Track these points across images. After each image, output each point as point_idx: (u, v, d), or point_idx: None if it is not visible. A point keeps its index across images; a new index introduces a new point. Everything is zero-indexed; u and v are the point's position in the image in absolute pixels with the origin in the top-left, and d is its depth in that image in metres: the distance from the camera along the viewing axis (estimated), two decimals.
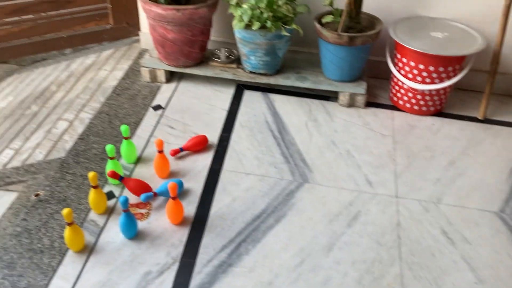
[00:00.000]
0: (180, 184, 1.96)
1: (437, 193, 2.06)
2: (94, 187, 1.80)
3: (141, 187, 1.93)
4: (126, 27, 3.14)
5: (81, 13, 2.99)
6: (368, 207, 1.98)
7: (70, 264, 1.69)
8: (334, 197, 2.02)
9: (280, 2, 2.35)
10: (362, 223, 1.91)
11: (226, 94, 2.66)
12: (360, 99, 2.55)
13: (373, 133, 2.40)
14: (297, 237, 1.83)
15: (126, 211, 1.72)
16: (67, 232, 1.67)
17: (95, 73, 2.99)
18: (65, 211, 1.61)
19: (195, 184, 2.04)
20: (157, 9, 2.40)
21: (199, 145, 2.22)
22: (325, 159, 2.22)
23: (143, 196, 1.87)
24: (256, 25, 2.32)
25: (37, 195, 1.96)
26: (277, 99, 2.63)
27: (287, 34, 2.37)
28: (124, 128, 2.03)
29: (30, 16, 2.86)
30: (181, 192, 2.00)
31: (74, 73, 3.09)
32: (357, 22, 2.43)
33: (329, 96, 2.63)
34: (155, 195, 1.91)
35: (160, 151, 1.99)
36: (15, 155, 2.35)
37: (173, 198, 1.78)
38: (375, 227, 1.89)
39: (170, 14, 2.39)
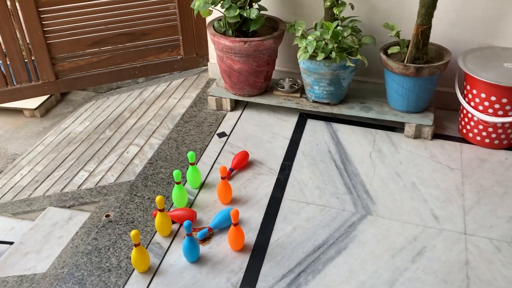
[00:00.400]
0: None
1: (511, 232, 1.94)
2: (161, 210, 1.88)
3: (188, 215, 1.97)
4: (196, 58, 3.29)
5: (155, 45, 3.17)
6: (434, 243, 1.90)
7: (135, 284, 1.76)
8: (397, 231, 1.96)
9: (345, 34, 2.37)
10: (427, 259, 1.83)
11: (289, 123, 2.69)
12: (427, 131, 2.48)
13: (440, 166, 2.32)
14: (358, 270, 1.79)
15: (189, 235, 1.77)
16: (133, 252, 1.75)
17: (165, 101, 3.14)
18: (133, 232, 1.69)
19: (256, 212, 2.07)
20: (225, 41, 2.51)
21: (242, 161, 2.32)
22: (389, 191, 2.17)
23: (199, 234, 1.92)
24: (320, 56, 2.35)
25: (107, 216, 2.07)
26: (341, 128, 2.62)
27: (352, 64, 2.38)
28: (190, 155, 2.11)
29: (109, 47, 3.08)
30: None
31: (145, 100, 3.27)
32: (424, 53, 2.39)
33: (395, 127, 2.59)
34: (210, 230, 1.95)
35: (224, 178, 2.05)
36: (89, 177, 2.51)
37: (235, 225, 1.81)
38: (441, 264, 1.81)
39: (237, 46, 2.48)
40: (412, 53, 2.37)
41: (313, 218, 2.03)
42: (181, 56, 3.28)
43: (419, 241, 1.91)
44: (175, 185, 2.03)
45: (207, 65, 3.29)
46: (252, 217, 2.04)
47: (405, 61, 2.38)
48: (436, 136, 2.53)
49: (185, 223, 1.73)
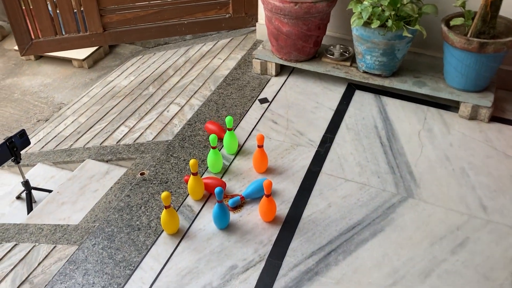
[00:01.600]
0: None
1: None
2: (194, 174, 1.84)
3: (217, 185, 1.92)
4: (244, 17, 3.17)
5: (204, 1, 3.07)
6: (479, 235, 1.77)
7: (163, 245, 1.75)
8: (440, 218, 1.84)
9: (404, 1, 2.18)
10: (468, 252, 1.71)
11: (336, 93, 2.56)
12: (484, 112, 2.29)
13: (495, 152, 2.14)
14: (392, 256, 1.70)
15: (220, 202, 1.73)
16: (163, 214, 1.73)
17: (209, 60, 3.07)
18: (164, 194, 1.66)
19: (291, 184, 1.99)
20: (275, 1, 2.37)
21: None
22: (435, 175, 2.03)
23: (230, 201, 1.87)
24: (375, 23, 2.18)
25: (142, 174, 2.06)
26: (390, 103, 2.47)
27: (409, 35, 2.19)
28: (228, 120, 2.05)
29: (157, 1, 3.02)
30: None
31: (190, 59, 3.21)
32: (492, 27, 2.17)
33: (449, 106, 2.40)
34: (242, 199, 1.90)
35: (260, 146, 1.97)
36: (128, 132, 2.50)
37: (267, 196, 1.75)
38: (484, 259, 1.68)
39: (288, 7, 2.35)
40: (478, 26, 2.16)
41: (350, 196, 1.94)
42: (229, 14, 3.17)
43: (462, 231, 1.78)
44: (211, 149, 1.98)
45: (255, 25, 3.17)
46: (286, 189, 1.97)
47: (469, 35, 2.17)
48: (494, 119, 2.33)
49: (217, 189, 1.69)
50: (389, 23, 2.17)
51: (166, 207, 1.71)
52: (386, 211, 1.87)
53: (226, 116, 2.35)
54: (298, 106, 2.47)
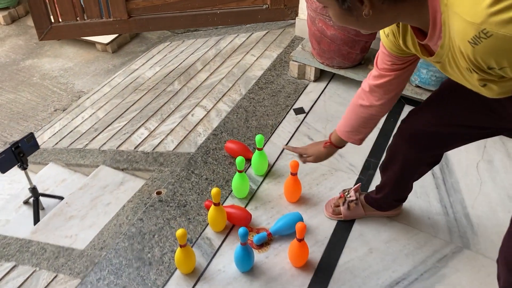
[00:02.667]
0: (299, 219, 1.65)
1: None
2: (216, 204, 1.59)
3: (241, 217, 1.68)
4: (283, 10, 2.87)
5: None
6: None
7: (175, 286, 1.52)
8: None
9: None
10: None
11: None
12: None
13: None
14: None
15: (244, 244, 1.49)
16: (178, 252, 1.50)
17: (241, 56, 2.79)
18: (179, 232, 1.42)
19: (326, 221, 1.73)
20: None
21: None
22: (497, 221, 1.73)
23: (256, 237, 1.63)
24: None
25: (158, 193, 1.84)
26: None
27: None
28: (259, 139, 1.78)
29: None
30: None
31: (221, 52, 2.94)
32: None
33: None
34: (270, 236, 1.65)
35: (294, 174, 1.71)
36: (148, 137, 2.27)
37: (299, 240, 1.50)
38: None
39: None
40: None
41: (395, 240, 1.66)
42: (266, 5, 2.87)
43: None
44: (237, 173, 1.73)
45: (295, 19, 2.86)
46: (320, 225, 1.71)
47: None
48: None
49: (241, 230, 1.44)
50: None
51: (181, 246, 1.48)
52: (436, 264, 1.59)
53: (255, 132, 2.10)
54: (338, 120, 2.17)
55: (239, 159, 1.68)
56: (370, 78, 1.29)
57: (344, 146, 1.50)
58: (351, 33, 2.13)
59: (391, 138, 1.49)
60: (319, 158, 1.54)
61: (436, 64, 0.98)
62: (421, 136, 1.34)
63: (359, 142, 1.44)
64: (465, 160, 1.98)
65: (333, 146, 1.50)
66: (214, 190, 1.54)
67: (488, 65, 0.81)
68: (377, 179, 1.88)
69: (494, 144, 2.05)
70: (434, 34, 0.89)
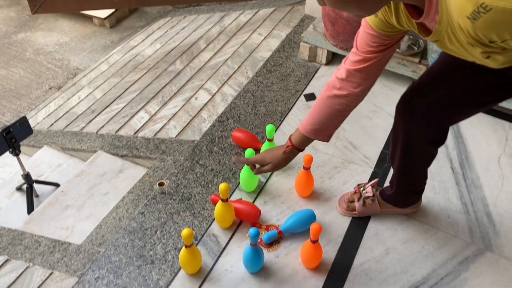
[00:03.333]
0: (312, 217, 1.55)
1: None
2: (224, 200, 1.48)
3: (249, 214, 1.57)
4: None
5: None
6: None
7: (179, 287, 1.42)
8: None
9: None
10: None
11: (398, 94, 2.09)
12: None
13: None
14: None
15: (254, 245, 1.38)
16: (182, 252, 1.39)
17: (248, 35, 2.64)
18: (185, 232, 1.31)
19: (339, 218, 1.62)
20: None
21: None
22: None
23: (265, 236, 1.52)
24: None
25: (161, 184, 1.72)
26: None
27: None
28: (269, 129, 1.66)
29: None
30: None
31: (226, 30, 2.78)
32: None
33: None
34: (280, 233, 1.54)
35: (307, 169, 1.59)
36: (149, 121, 2.14)
37: (313, 242, 1.39)
38: None
39: None
40: None
41: (413, 240, 1.56)
42: None
43: None
44: (245, 165, 1.61)
45: None
46: (333, 223, 1.61)
47: None
48: None
49: (252, 231, 1.33)
50: None
51: (186, 246, 1.37)
52: (457, 267, 1.49)
53: (263, 119, 1.97)
54: None
55: (248, 151, 1.56)
56: (348, 63, 1.20)
57: (304, 148, 1.40)
58: None
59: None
60: (277, 166, 1.43)
61: (435, 42, 0.94)
62: (420, 106, 1.25)
63: (328, 138, 1.36)
64: (486, 153, 1.86)
65: (295, 149, 1.40)
66: (222, 186, 1.43)
67: (490, 39, 0.79)
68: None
69: None
70: (430, 11, 0.86)
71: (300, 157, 1.57)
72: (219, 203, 1.50)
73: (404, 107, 1.30)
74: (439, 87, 1.21)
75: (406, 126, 1.32)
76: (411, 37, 2.16)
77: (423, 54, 2.12)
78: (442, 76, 1.21)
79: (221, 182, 1.49)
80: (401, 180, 1.50)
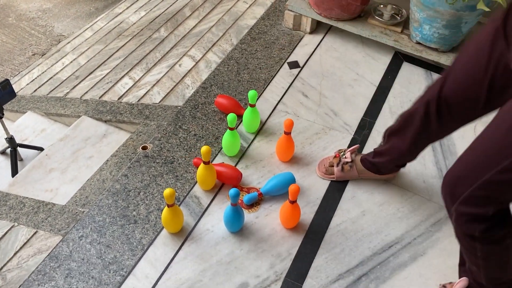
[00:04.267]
0: (292, 180, 1.60)
1: None
2: (206, 163, 1.51)
3: (231, 176, 1.61)
4: None
5: None
6: None
7: (162, 247, 1.47)
8: None
9: None
10: None
11: (380, 64, 2.16)
12: None
13: None
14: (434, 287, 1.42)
15: (235, 205, 1.42)
16: (165, 212, 1.43)
17: (233, 3, 2.63)
18: (167, 192, 1.35)
19: (319, 181, 1.67)
20: None
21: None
22: None
23: (246, 197, 1.56)
24: None
25: (144, 148, 1.74)
26: None
27: (486, 9, 1.76)
28: (252, 95, 1.68)
29: None
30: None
31: None
32: None
33: None
34: (260, 195, 1.58)
35: (288, 133, 1.63)
36: (133, 87, 2.15)
37: (292, 202, 1.44)
38: None
39: None
40: None
41: (388, 203, 1.62)
42: None
43: None
44: (228, 130, 1.64)
45: None
46: (312, 186, 1.65)
47: None
48: None
49: (232, 191, 1.37)
50: None
51: (168, 206, 1.41)
52: (430, 228, 1.56)
53: (247, 86, 1.99)
54: (334, 77, 2.08)
55: (231, 116, 1.58)
56: None
57: None
58: None
59: (411, 104, 1.34)
60: None
61: None
62: (446, 104, 1.20)
63: None
64: None
65: None
66: (204, 148, 1.46)
67: None
68: (372, 140, 1.82)
69: None
70: None
71: (282, 123, 1.60)
72: (201, 165, 1.54)
73: (428, 101, 1.24)
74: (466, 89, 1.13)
75: (426, 122, 1.27)
76: (394, 6, 2.17)
77: (405, 23, 2.14)
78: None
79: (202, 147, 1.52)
80: (396, 158, 1.49)
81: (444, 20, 1.89)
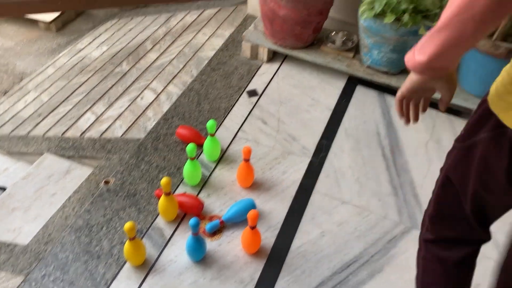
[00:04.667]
0: (252, 206, 1.64)
1: None
2: (167, 194, 1.55)
3: (192, 206, 1.65)
4: None
5: None
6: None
7: (125, 280, 1.48)
8: None
9: None
10: None
11: (335, 88, 2.25)
12: None
13: None
14: None
15: (196, 235, 1.46)
16: (127, 245, 1.45)
17: (193, 35, 2.70)
18: (128, 225, 1.38)
19: (279, 205, 1.72)
20: None
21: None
22: None
23: (208, 226, 1.60)
24: (389, 18, 1.85)
25: (106, 182, 1.77)
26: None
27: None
28: (211, 125, 1.74)
29: None
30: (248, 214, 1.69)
31: (172, 31, 2.84)
32: None
33: (461, 111, 2.12)
34: (222, 223, 1.62)
35: (246, 160, 1.68)
36: (95, 122, 2.18)
37: (252, 228, 1.49)
38: None
39: None
40: (507, 27, 1.85)
41: (347, 223, 1.68)
42: None
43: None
44: (188, 160, 1.69)
45: None
46: (274, 210, 1.70)
47: (495, 37, 1.87)
48: None
49: (192, 221, 1.41)
50: (405, 17, 1.84)
51: (130, 239, 1.43)
52: (386, 245, 1.62)
53: (207, 116, 2.05)
54: (292, 103, 2.16)
55: (190, 146, 1.63)
56: None
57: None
58: (303, 13, 2.09)
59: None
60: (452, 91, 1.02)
61: None
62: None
63: None
64: (415, 140, 2.01)
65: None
66: (164, 180, 1.49)
67: None
68: (329, 163, 1.89)
69: (443, 124, 2.09)
70: None
71: (241, 148, 1.66)
72: (162, 197, 1.57)
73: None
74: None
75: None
76: (345, 33, 2.28)
77: (356, 49, 2.25)
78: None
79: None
80: None
81: (390, 45, 2.00)
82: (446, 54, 0.86)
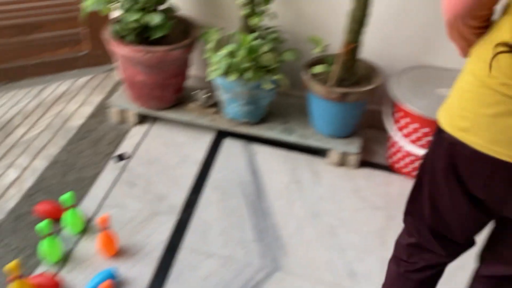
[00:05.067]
0: (109, 276, 1.64)
1: None
2: (18, 277, 1.50)
3: (48, 286, 1.62)
4: (102, 55, 2.84)
5: (52, 40, 2.70)
6: None
7: None
8: None
9: (265, 48, 2.02)
10: None
11: (202, 143, 2.34)
12: (352, 159, 2.21)
13: (363, 204, 2.07)
14: None
15: None
16: None
17: (64, 105, 2.70)
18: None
19: (144, 268, 1.74)
20: (123, 50, 2.10)
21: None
22: (304, 237, 1.90)
23: None
24: (233, 76, 2.00)
25: None
26: (260, 151, 2.31)
27: (270, 86, 2.04)
28: (66, 198, 1.74)
29: None
30: (117, 281, 1.69)
31: (44, 102, 2.81)
32: (353, 73, 2.09)
33: (318, 151, 2.30)
34: None
35: (105, 229, 1.69)
36: None
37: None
38: None
39: (138, 56, 2.08)
40: (339, 73, 2.06)
41: (212, 275, 1.73)
42: (85, 51, 2.83)
43: None
44: (46, 237, 1.66)
45: (114, 63, 2.86)
46: (139, 275, 1.71)
47: (329, 83, 2.07)
48: (363, 163, 2.26)
49: None
50: (248, 74, 2.00)
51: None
52: None
53: (73, 187, 2.04)
54: (161, 162, 2.22)
55: (41, 224, 1.61)
56: None
57: None
58: (159, 77, 2.19)
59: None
60: None
61: None
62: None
63: None
64: (278, 183, 2.13)
65: None
66: (10, 265, 1.46)
67: None
68: (196, 217, 1.95)
69: (302, 164, 2.24)
70: None
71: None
72: (15, 282, 1.53)
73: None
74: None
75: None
76: (206, 90, 2.41)
77: (219, 103, 2.38)
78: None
79: (23, 259, 1.52)
80: None
81: (244, 99, 2.15)
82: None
